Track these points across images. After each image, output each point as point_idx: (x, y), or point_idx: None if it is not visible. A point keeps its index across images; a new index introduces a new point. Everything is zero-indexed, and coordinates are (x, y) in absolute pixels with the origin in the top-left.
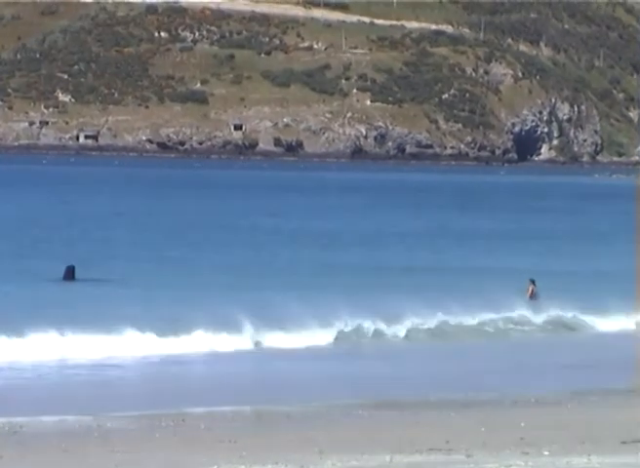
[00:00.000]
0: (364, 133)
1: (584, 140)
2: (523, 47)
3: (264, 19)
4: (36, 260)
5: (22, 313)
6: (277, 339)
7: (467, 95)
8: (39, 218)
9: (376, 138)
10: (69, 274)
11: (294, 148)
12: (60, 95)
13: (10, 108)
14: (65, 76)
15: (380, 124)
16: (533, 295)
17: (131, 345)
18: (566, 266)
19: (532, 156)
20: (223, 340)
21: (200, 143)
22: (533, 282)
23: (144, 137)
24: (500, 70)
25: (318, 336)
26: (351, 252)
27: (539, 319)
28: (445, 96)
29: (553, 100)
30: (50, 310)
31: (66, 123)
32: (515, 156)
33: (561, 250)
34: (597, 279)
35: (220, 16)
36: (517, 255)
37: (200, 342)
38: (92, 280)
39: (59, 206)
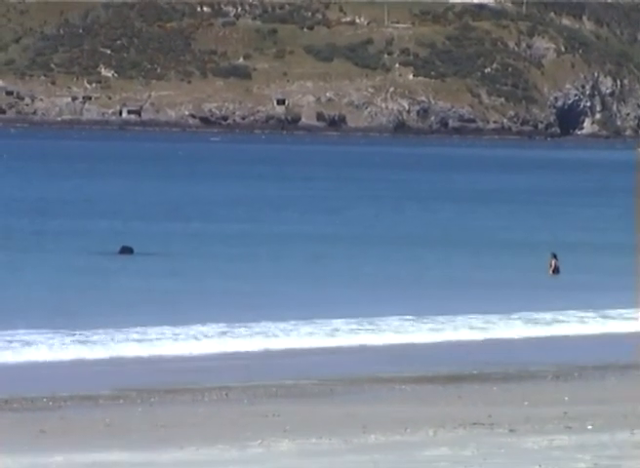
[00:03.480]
0: (406, 107)
1: (627, 114)
2: (565, 21)
3: None
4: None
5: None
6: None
7: (510, 69)
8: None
9: (418, 113)
10: (126, 250)
11: (336, 123)
12: (102, 70)
13: (53, 83)
14: (108, 51)
15: (423, 98)
16: (555, 271)
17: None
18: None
19: (574, 130)
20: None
21: (243, 118)
22: (554, 256)
23: (187, 112)
24: (542, 44)
25: None
26: None
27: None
28: (487, 70)
29: (596, 74)
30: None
31: (109, 98)
32: (558, 130)
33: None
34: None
35: None
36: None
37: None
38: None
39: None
